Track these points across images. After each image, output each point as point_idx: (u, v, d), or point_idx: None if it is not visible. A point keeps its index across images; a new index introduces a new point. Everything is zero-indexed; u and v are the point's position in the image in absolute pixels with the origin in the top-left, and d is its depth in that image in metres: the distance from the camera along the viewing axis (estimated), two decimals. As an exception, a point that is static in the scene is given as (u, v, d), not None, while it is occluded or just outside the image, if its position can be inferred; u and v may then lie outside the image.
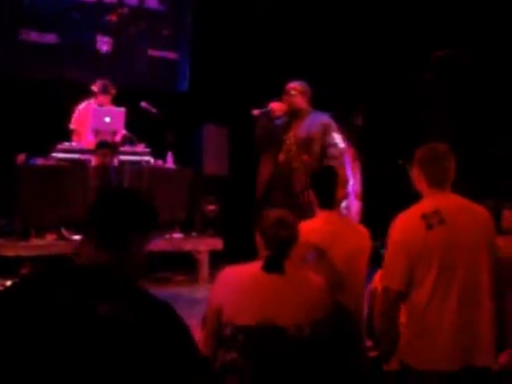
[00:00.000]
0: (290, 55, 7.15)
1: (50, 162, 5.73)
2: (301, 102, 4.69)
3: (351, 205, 6.76)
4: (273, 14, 7.25)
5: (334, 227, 2.98)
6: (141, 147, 6.00)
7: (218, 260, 5.83)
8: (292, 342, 2.36)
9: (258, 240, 2.53)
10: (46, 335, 1.50)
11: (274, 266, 2.45)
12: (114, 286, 1.59)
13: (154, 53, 7.46)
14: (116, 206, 1.71)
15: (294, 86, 4.73)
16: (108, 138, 5.83)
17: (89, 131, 5.84)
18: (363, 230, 3.09)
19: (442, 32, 6.77)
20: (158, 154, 6.20)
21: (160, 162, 6.17)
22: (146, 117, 6.20)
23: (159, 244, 5.74)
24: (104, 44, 7.19)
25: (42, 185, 5.64)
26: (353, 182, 6.51)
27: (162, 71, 7.49)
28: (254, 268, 2.47)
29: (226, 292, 2.41)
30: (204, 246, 6.03)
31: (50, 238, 5.63)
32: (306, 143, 4.62)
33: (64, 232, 5.64)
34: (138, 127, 6.20)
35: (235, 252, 4.85)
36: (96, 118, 5.84)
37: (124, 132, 6.00)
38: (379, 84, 7.12)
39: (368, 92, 7.02)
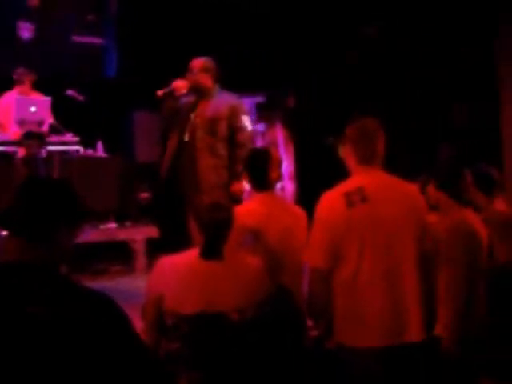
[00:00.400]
0: (220, 37, 7.09)
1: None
2: (204, 79, 4.49)
3: (285, 186, 6.80)
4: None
5: (269, 209, 2.97)
6: (69, 136, 5.84)
7: (155, 249, 5.76)
8: (235, 327, 2.35)
9: (193, 226, 2.49)
10: None
11: (211, 251, 2.42)
12: (45, 284, 1.51)
13: (78, 39, 7.25)
14: (42, 197, 1.61)
15: (197, 63, 4.55)
16: (34, 128, 5.64)
17: (13, 122, 5.64)
18: (299, 211, 3.08)
19: (368, 9, 6.84)
20: (88, 143, 6.05)
21: (90, 151, 6.02)
22: (73, 105, 6.03)
23: (93, 235, 5.62)
24: (26, 31, 6.94)
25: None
26: (286, 163, 6.53)
27: (88, 57, 7.30)
28: (191, 255, 2.44)
29: (164, 282, 2.37)
30: (139, 234, 5.95)
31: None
32: (211, 124, 4.48)
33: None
34: (65, 116, 6.03)
35: (171, 240, 4.79)
36: (20, 107, 5.64)
37: (51, 121, 5.82)
38: (310, 63, 7.14)
39: (298, 73, 7.03)
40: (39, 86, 6.00)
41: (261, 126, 6.78)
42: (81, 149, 5.88)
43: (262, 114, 6.79)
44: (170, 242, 4.65)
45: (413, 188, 2.61)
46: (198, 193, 4.34)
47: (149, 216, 6.16)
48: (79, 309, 1.48)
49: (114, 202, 6.03)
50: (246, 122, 4.53)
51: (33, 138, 5.63)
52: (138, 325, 2.32)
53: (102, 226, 5.88)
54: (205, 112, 4.48)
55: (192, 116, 4.51)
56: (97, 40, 7.39)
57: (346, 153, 2.58)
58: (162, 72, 6.94)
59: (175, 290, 2.35)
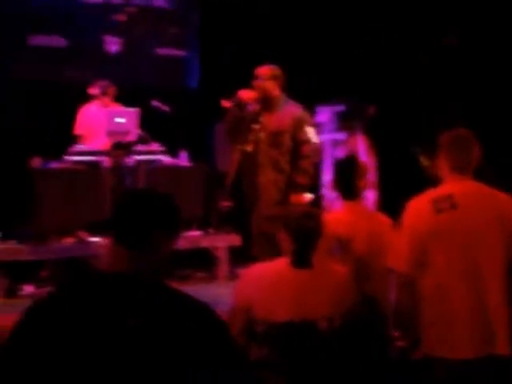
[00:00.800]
0: (303, 47, 7.13)
1: (65, 165, 5.74)
2: (271, 87, 4.39)
3: (367, 195, 6.73)
4: (284, 5, 7.21)
5: (356, 217, 2.98)
6: (155, 146, 6.00)
7: (237, 256, 5.83)
8: (324, 335, 2.36)
9: (282, 236, 2.52)
10: (79, 354, 1.45)
11: (301, 260, 2.44)
12: (145, 294, 1.53)
13: (162, 51, 7.44)
14: (145, 207, 1.66)
15: (264, 71, 4.45)
16: (122, 139, 5.83)
17: (103, 133, 5.85)
18: (385, 219, 3.08)
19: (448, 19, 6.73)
20: (172, 152, 6.20)
21: (174, 161, 6.17)
22: (158, 115, 6.20)
23: (178, 242, 5.72)
24: (113, 44, 7.19)
25: (58, 188, 5.65)
26: (368, 171, 6.46)
27: (171, 69, 7.48)
28: (280, 264, 2.47)
29: (253, 290, 2.41)
30: (222, 242, 6.03)
31: (67, 241, 5.64)
32: (275, 136, 4.37)
33: (81, 234, 5.65)
34: (150, 126, 6.20)
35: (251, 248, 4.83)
36: (110, 119, 5.85)
37: (138, 131, 6.01)
38: (390, 72, 7.08)
39: (379, 81, 6.98)
40: (125, 98, 6.20)
41: (342, 136, 6.74)
42: (166, 158, 6.03)
43: (342, 123, 6.76)
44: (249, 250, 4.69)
45: (504, 197, 2.56)
46: (258, 207, 4.31)
47: (231, 224, 6.24)
48: (180, 318, 1.50)
49: (197, 210, 6.14)
50: (311, 134, 4.42)
51: (120, 148, 5.82)
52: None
53: (185, 234, 6.00)
54: (269, 124, 4.38)
55: (256, 127, 4.42)
56: (180, 52, 7.56)
57: (439, 160, 2.56)
58: (244, 83, 7.07)
59: (265, 298, 2.38)
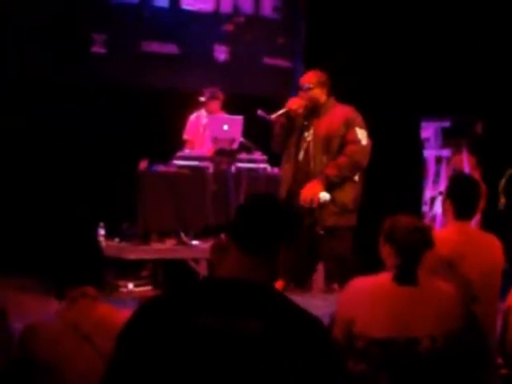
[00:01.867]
0: (411, 60, 7.02)
1: (171, 169, 5.91)
2: (319, 94, 4.25)
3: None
4: (390, 16, 7.14)
5: (467, 238, 2.89)
6: (258, 155, 6.07)
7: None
8: (426, 354, 2.31)
9: (386, 249, 2.48)
10: (196, 363, 1.43)
11: (406, 277, 2.39)
12: (265, 301, 1.51)
13: (269, 61, 7.53)
14: (273, 215, 1.65)
15: (309, 79, 4.29)
16: (226, 146, 5.94)
17: (208, 139, 5.98)
18: (497, 243, 2.98)
19: None
20: (274, 161, 6.24)
21: (276, 170, 6.20)
22: (262, 124, 6.26)
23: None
24: (221, 53, 7.34)
25: (163, 191, 5.83)
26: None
27: (277, 79, 7.54)
28: (384, 279, 2.43)
29: (357, 304, 2.38)
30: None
31: (169, 242, 5.80)
32: (326, 142, 4.20)
33: (183, 237, 5.79)
34: (254, 135, 6.28)
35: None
36: (214, 126, 5.98)
37: (241, 139, 6.10)
38: (498, 91, 6.85)
39: (487, 98, 6.77)
40: (231, 106, 6.32)
41: (446, 152, 6.58)
42: (268, 167, 6.08)
43: (448, 139, 6.61)
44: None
45: None
46: (312, 217, 4.15)
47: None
48: (295, 330, 1.47)
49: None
50: (361, 135, 4.20)
51: (224, 154, 5.94)
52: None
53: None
54: (318, 130, 4.23)
55: (306, 134, 4.28)
56: (286, 62, 7.62)
57: None
58: (349, 93, 7.04)
59: (368, 312, 2.35)
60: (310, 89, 4.26)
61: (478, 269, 2.81)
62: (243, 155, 6.06)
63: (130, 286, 5.68)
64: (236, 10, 7.39)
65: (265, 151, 6.16)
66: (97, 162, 6.40)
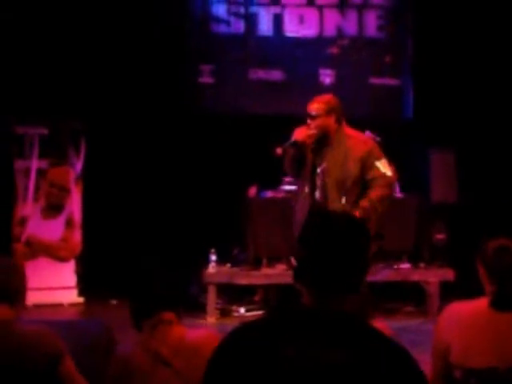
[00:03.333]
0: None
1: (279, 195, 5.96)
2: (328, 122, 3.93)
3: None
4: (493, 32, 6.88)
5: None
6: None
7: (449, 292, 5.58)
8: None
9: (482, 273, 2.35)
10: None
11: (503, 301, 2.25)
12: (351, 330, 1.47)
13: (376, 80, 7.44)
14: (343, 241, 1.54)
15: (317, 107, 3.97)
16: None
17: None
18: None
19: None
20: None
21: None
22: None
23: (387, 274, 5.67)
24: (327, 77, 7.34)
25: (272, 216, 5.87)
26: None
27: (386, 99, 7.43)
28: (480, 304, 2.29)
29: (453, 330, 2.26)
30: (433, 276, 5.82)
31: (279, 267, 5.82)
32: (341, 183, 3.91)
33: (293, 262, 5.78)
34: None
35: (467, 284, 4.59)
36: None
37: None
38: None
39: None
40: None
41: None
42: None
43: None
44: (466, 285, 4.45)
45: None
46: None
47: (444, 258, 6.00)
48: (379, 360, 1.42)
49: (408, 242, 6.00)
50: (383, 167, 3.91)
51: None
52: (426, 370, 2.27)
53: (395, 266, 5.89)
54: (333, 166, 3.93)
55: (319, 170, 3.99)
56: (394, 81, 7.50)
57: None
58: (458, 111, 6.84)
59: (465, 339, 2.23)
60: (318, 116, 3.97)
61: None
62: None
63: (242, 310, 5.75)
64: (340, 33, 7.38)
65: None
66: (208, 190, 6.56)
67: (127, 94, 6.55)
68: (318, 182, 4.01)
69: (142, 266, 2.49)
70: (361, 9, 7.37)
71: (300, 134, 4.03)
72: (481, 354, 2.20)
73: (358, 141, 4.00)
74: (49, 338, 2.32)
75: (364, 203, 3.90)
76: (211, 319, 5.55)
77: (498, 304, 2.25)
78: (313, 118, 3.98)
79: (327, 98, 4.07)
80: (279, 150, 4.04)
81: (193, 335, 2.26)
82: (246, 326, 1.57)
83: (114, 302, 5.91)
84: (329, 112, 3.97)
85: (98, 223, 6.20)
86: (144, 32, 6.56)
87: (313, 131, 3.98)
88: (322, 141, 3.99)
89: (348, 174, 3.93)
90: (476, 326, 2.24)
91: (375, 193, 3.90)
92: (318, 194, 4.02)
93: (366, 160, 3.90)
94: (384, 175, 3.91)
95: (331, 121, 3.97)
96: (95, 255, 6.09)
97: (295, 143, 4.01)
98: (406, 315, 5.83)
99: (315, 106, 4.01)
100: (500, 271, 2.26)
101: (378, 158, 3.94)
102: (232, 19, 7.16)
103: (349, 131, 4.06)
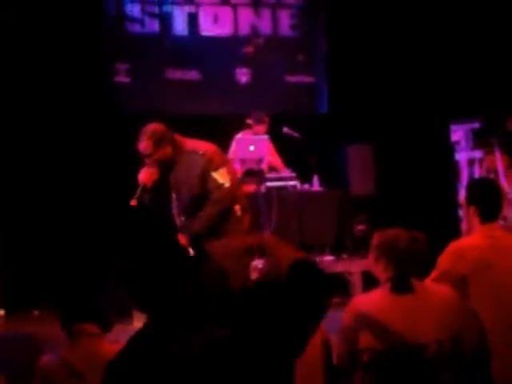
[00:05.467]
0: (432, 65, 6.98)
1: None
2: (163, 152, 3.84)
3: (506, 215, 6.41)
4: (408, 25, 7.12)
5: (495, 241, 2.84)
6: (287, 172, 6.07)
7: (371, 281, 5.72)
8: (434, 359, 2.28)
9: (381, 264, 2.47)
10: None
11: (403, 285, 2.38)
12: None
13: (290, 78, 7.55)
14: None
15: (144, 146, 3.84)
16: (254, 166, 5.95)
17: (235, 160, 6.00)
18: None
19: None
20: (304, 178, 6.23)
21: (306, 186, 6.19)
22: (288, 142, 6.28)
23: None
24: (243, 75, 7.39)
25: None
26: (509, 190, 6.16)
27: (300, 96, 7.56)
28: (382, 292, 2.42)
29: (359, 321, 2.36)
30: (356, 267, 5.95)
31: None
32: (184, 200, 3.93)
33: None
34: (281, 153, 6.29)
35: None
36: (241, 147, 6.00)
37: (269, 158, 6.10)
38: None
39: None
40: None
41: (478, 153, 6.48)
42: (298, 184, 6.07)
43: (478, 140, 6.50)
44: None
45: None
46: None
47: (365, 248, 6.15)
48: None
49: (330, 235, 6.12)
50: (220, 178, 3.89)
51: (252, 175, 5.95)
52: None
53: (318, 259, 5.99)
54: (177, 188, 3.98)
55: (168, 193, 4.03)
56: (308, 78, 7.63)
57: None
58: (371, 106, 7.04)
59: (370, 328, 2.33)
60: (150, 155, 3.87)
61: (508, 271, 2.75)
62: (272, 174, 6.06)
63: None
64: (254, 32, 7.45)
65: (294, 168, 6.17)
66: (126, 191, 6.44)
67: (44, 93, 6.37)
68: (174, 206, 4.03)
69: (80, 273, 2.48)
70: (274, 7, 7.47)
71: (143, 177, 3.92)
72: (387, 336, 2.30)
73: (196, 155, 3.89)
74: None
75: (194, 225, 3.93)
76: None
77: (397, 288, 2.37)
78: (147, 157, 3.90)
79: (150, 130, 3.88)
80: (134, 202, 3.89)
81: (112, 348, 2.23)
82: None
83: (36, 312, 5.73)
84: (159, 144, 3.85)
85: (15, 231, 6.01)
86: (59, 30, 6.39)
87: (153, 169, 3.91)
88: (167, 170, 3.93)
89: (191, 193, 3.91)
90: (380, 311, 2.34)
91: (206, 211, 3.89)
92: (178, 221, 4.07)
93: (205, 173, 3.85)
94: (220, 186, 3.86)
95: (166, 150, 3.87)
96: (14, 266, 5.90)
97: (144, 188, 3.91)
98: (334, 306, 5.92)
99: (143, 146, 3.87)
100: (406, 257, 2.40)
101: (216, 169, 3.87)
102: (146, 19, 7.11)
103: (189, 145, 3.96)
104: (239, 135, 6.21)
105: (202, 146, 3.96)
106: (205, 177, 3.84)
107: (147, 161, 3.89)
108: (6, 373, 2.32)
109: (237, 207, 4.00)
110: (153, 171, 3.89)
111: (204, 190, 3.86)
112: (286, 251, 1.75)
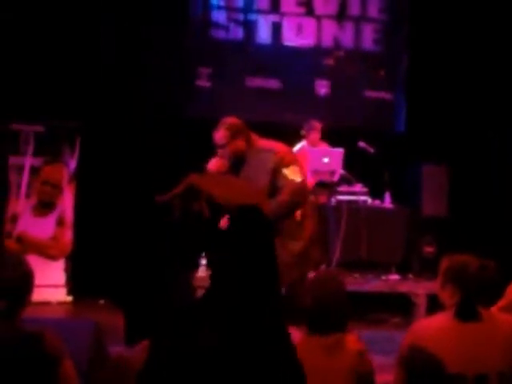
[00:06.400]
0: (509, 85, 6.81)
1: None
2: (236, 146, 3.85)
3: None
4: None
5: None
6: (358, 187, 6.06)
7: (436, 304, 5.62)
8: None
9: (448, 289, 2.43)
10: None
11: (468, 312, 2.32)
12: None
13: (370, 93, 7.51)
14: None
15: (220, 135, 3.86)
16: (326, 178, 5.96)
17: (308, 172, 6.02)
18: None
19: None
20: (376, 193, 6.19)
21: (377, 202, 6.16)
22: (363, 157, 6.25)
23: (376, 285, 5.71)
24: (322, 87, 7.40)
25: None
26: None
27: (379, 112, 7.51)
28: (447, 317, 2.37)
29: (419, 343, 2.32)
30: (421, 288, 5.86)
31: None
32: None
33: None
34: (355, 167, 6.27)
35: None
36: (314, 158, 6.01)
37: (342, 172, 6.09)
38: None
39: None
40: (333, 138, 6.34)
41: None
42: (369, 199, 6.04)
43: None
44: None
45: None
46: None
47: (433, 270, 6.06)
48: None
49: (397, 254, 6.06)
50: (291, 174, 3.80)
51: (323, 187, 5.95)
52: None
53: (383, 277, 5.93)
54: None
55: None
56: (387, 95, 7.58)
57: None
58: (449, 126, 6.93)
59: (431, 352, 2.29)
60: (225, 145, 3.90)
61: None
62: (343, 187, 6.05)
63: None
64: (337, 44, 7.45)
65: (366, 183, 6.13)
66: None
67: (125, 95, 6.57)
68: None
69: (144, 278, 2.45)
70: (358, 21, 7.45)
71: (213, 165, 3.96)
72: (449, 363, 2.25)
73: (268, 153, 3.90)
74: (50, 339, 2.31)
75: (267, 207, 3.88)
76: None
77: (462, 314, 2.32)
78: (221, 147, 3.93)
79: (228, 122, 3.96)
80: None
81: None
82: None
83: (102, 301, 5.89)
84: (234, 136, 3.89)
85: (90, 223, 6.19)
86: (145, 34, 6.58)
87: (225, 159, 3.94)
88: (237, 164, 3.94)
89: (258, 187, 3.74)
90: (443, 337, 2.30)
91: (279, 198, 3.81)
92: None
93: (276, 169, 3.83)
94: (292, 182, 3.82)
95: (240, 143, 3.91)
96: (85, 255, 6.08)
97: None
98: (392, 326, 5.85)
99: (219, 136, 3.93)
100: (464, 282, 2.36)
101: (287, 165, 3.85)
102: (231, 26, 7.23)
103: (261, 144, 3.98)
104: (296, 148, 6.18)
105: (274, 145, 3.98)
106: (276, 173, 3.83)
107: (220, 151, 3.93)
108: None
109: (298, 212, 3.94)
110: (223, 163, 3.92)
111: (275, 187, 3.83)
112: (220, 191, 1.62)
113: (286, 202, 3.81)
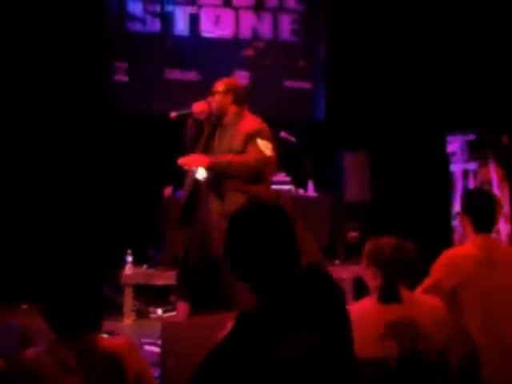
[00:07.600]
0: (431, 74, 6.99)
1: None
2: (224, 100, 4.03)
3: (500, 228, 6.43)
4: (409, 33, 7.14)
5: (490, 253, 2.84)
6: (281, 176, 6.07)
7: (362, 288, 5.72)
8: (422, 369, 2.28)
9: (370, 272, 2.48)
10: None
11: (390, 295, 2.38)
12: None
13: (289, 83, 7.56)
14: None
15: (219, 83, 4.12)
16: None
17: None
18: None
19: None
20: (299, 182, 6.24)
21: (301, 191, 6.20)
22: (285, 146, 6.27)
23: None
24: (242, 78, 7.38)
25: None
26: (502, 203, 6.17)
27: (299, 101, 7.57)
28: (369, 302, 2.42)
29: None
30: (347, 273, 5.96)
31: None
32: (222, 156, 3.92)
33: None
34: (277, 157, 6.28)
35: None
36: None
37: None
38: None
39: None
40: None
41: (473, 165, 6.50)
42: (293, 188, 6.08)
43: (474, 152, 6.53)
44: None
45: None
46: (209, 241, 3.90)
47: (357, 255, 6.16)
48: None
49: (323, 241, 6.12)
50: (263, 146, 3.93)
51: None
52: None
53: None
54: (221, 144, 4.00)
55: (210, 147, 4.06)
56: (307, 84, 7.64)
57: None
58: (369, 114, 7.05)
59: (357, 337, 2.34)
60: (216, 93, 4.10)
61: (498, 283, 2.76)
62: (267, 177, 6.05)
63: (160, 311, 5.69)
64: (255, 36, 7.45)
65: (289, 173, 6.16)
66: (123, 190, 6.45)
67: (43, 89, 6.35)
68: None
69: (58, 270, 2.39)
70: (276, 12, 7.48)
71: (197, 106, 4.12)
72: (373, 347, 2.30)
73: (249, 121, 4.07)
74: None
75: (221, 157, 3.94)
76: (128, 321, 5.48)
77: (384, 298, 2.38)
78: (212, 93, 4.12)
79: (231, 80, 4.28)
80: (173, 114, 4.15)
81: (106, 343, 2.21)
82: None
83: (25, 306, 5.71)
84: (227, 91, 4.09)
85: (3, 225, 5.99)
86: (59, 28, 6.39)
87: (209, 107, 4.08)
88: (218, 121, 4.10)
89: (231, 149, 3.97)
90: (365, 322, 2.33)
91: (245, 158, 3.93)
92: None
93: (252, 136, 3.95)
94: (261, 152, 3.93)
95: (228, 100, 4.08)
96: (2, 258, 5.89)
97: (190, 114, 4.11)
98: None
99: (217, 84, 4.17)
100: (392, 266, 2.41)
101: (263, 138, 3.99)
102: (148, 18, 7.12)
103: (247, 115, 4.13)
104: None
105: (260, 121, 4.13)
106: (250, 139, 3.94)
107: (210, 97, 4.10)
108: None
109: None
110: (205, 108, 4.06)
111: (244, 151, 3.93)
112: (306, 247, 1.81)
113: (249, 163, 3.90)
